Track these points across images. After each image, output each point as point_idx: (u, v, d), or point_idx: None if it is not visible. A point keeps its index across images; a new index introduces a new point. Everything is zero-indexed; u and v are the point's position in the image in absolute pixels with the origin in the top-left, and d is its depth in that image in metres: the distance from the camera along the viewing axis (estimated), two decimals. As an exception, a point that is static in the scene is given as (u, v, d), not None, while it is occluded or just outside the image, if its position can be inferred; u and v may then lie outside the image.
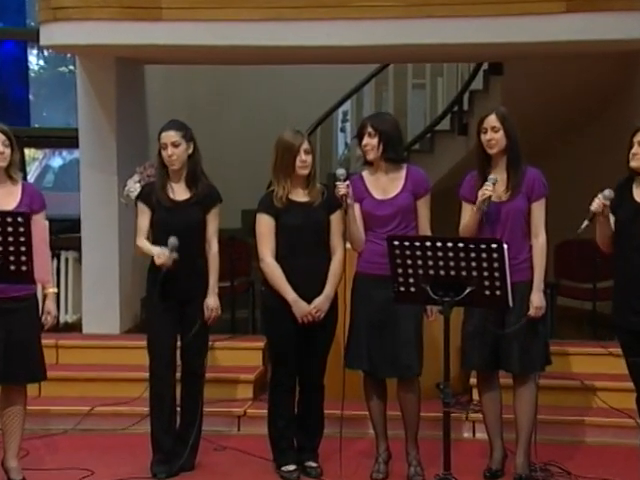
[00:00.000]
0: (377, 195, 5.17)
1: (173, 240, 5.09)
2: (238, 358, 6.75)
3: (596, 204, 4.73)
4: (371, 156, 5.15)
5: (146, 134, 7.68)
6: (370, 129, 5.13)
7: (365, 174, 5.24)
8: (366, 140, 5.14)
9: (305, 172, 5.10)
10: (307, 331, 5.09)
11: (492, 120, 5.05)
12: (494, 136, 5.04)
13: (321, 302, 5.08)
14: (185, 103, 9.41)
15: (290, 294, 5.05)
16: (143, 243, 5.24)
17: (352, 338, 5.18)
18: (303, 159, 5.07)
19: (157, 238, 5.23)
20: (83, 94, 7.43)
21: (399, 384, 5.21)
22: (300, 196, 5.14)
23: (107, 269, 7.37)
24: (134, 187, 6.67)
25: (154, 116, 7.77)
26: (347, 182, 5.03)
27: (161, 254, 5.09)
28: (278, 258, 5.11)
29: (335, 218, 5.15)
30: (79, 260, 7.63)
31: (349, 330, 5.18)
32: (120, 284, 7.38)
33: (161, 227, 5.22)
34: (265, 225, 5.13)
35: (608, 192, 4.74)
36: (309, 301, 5.07)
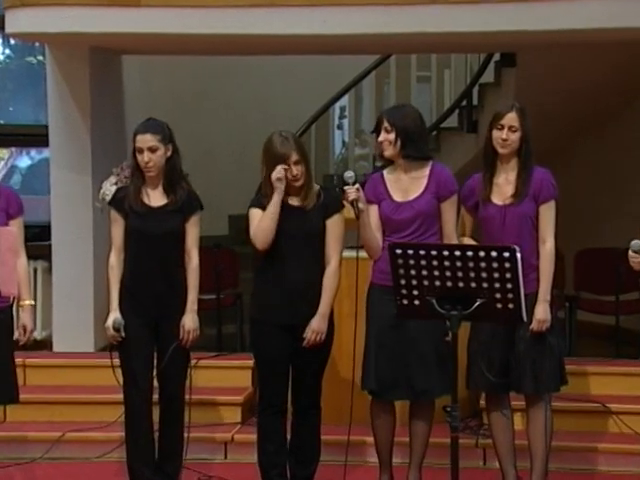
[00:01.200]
0: (397, 197, 5.16)
1: (119, 320, 5.13)
2: (225, 378, 6.74)
3: (635, 264, 4.71)
4: (388, 153, 5.14)
5: (123, 131, 7.67)
6: (386, 124, 5.11)
7: (386, 173, 5.24)
8: (383, 136, 5.12)
9: (297, 184, 5.09)
10: (299, 346, 5.09)
11: (512, 119, 5.03)
12: (511, 136, 5.03)
13: (318, 324, 5.06)
14: (166, 98, 9.40)
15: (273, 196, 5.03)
16: (112, 277, 5.25)
17: (367, 356, 5.17)
18: (294, 174, 5.06)
19: (131, 249, 5.22)
20: (54, 87, 7.42)
21: (412, 407, 5.22)
22: (293, 200, 5.14)
23: (80, 280, 7.35)
24: (110, 190, 6.65)
25: (132, 111, 7.76)
26: (357, 185, 5.02)
27: (108, 327, 5.16)
28: (266, 266, 5.11)
29: (331, 223, 5.13)
30: (49, 270, 7.62)
31: (365, 348, 5.17)
32: (95, 297, 7.36)
33: (134, 236, 5.20)
34: (258, 218, 5.10)
35: (634, 244, 4.72)
36: (300, 318, 5.05)
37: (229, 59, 9.02)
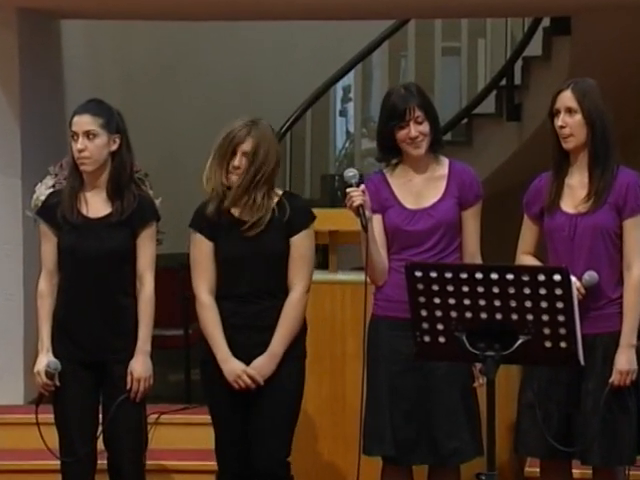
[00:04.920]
0: (408, 203, 5.15)
1: (54, 362, 5.11)
2: (193, 438, 6.71)
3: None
4: (422, 149, 5.09)
5: (63, 119, 7.65)
6: (418, 112, 5.05)
7: (389, 173, 5.23)
8: (415, 129, 5.04)
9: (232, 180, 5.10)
10: (255, 399, 5.11)
11: (567, 98, 4.97)
12: (567, 121, 4.95)
13: (261, 364, 5.07)
14: (120, 76, 9.43)
15: (220, 350, 5.07)
16: (41, 309, 5.21)
17: (370, 411, 5.15)
18: (236, 165, 5.07)
19: (65, 272, 5.19)
20: (-28, 62, 7.45)
21: (434, 472, 5.20)
22: (242, 212, 5.12)
23: (7, 311, 7.34)
24: (46, 195, 6.67)
25: (75, 94, 7.77)
26: (362, 186, 5.01)
27: (39, 373, 5.13)
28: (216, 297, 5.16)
29: (297, 241, 5.14)
30: (-33, 300, 7.63)
31: (367, 400, 5.16)
32: (25, 334, 7.34)
33: (67, 257, 5.17)
34: (198, 248, 5.15)
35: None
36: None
37: (201, 26, 9.05)
